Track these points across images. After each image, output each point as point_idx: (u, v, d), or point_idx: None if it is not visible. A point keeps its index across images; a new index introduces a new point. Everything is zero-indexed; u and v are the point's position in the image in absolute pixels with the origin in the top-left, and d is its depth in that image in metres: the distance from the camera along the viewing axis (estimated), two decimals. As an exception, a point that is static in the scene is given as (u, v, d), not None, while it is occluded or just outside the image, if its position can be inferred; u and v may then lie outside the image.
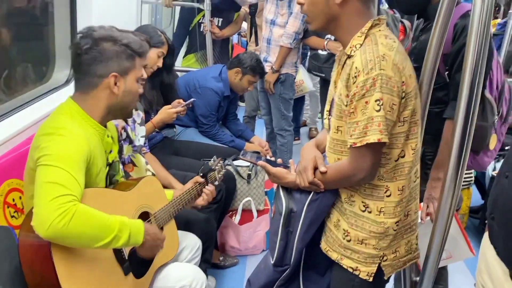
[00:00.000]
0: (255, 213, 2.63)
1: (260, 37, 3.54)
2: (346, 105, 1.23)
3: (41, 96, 2.14)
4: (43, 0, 2.46)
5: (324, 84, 3.57)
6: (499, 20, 3.71)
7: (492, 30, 3.58)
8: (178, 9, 3.85)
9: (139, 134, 2.06)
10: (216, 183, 1.99)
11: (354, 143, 1.21)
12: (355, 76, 1.18)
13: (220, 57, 3.65)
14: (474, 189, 3.07)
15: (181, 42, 3.63)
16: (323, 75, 3.27)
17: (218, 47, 3.61)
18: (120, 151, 1.79)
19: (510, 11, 3.09)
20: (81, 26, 2.36)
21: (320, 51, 3.36)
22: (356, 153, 1.23)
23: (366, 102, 1.17)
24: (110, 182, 1.54)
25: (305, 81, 3.88)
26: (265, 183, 2.72)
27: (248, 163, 2.59)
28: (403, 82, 1.19)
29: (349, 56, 1.26)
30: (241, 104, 5.42)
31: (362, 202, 1.30)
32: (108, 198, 1.42)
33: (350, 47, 1.25)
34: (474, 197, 3.08)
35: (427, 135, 1.64)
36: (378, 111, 1.16)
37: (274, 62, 3.15)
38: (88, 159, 1.32)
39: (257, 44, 3.66)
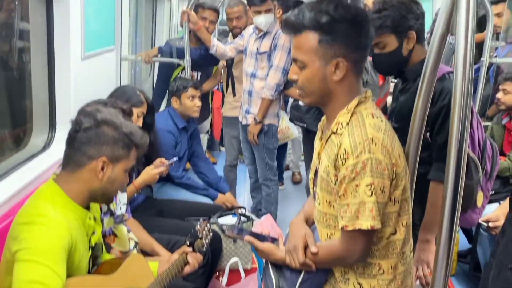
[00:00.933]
0: (242, 274, 2.55)
1: (238, 88, 3.58)
2: (335, 184, 1.22)
3: (17, 166, 2.06)
4: (20, 61, 2.43)
5: (307, 133, 3.59)
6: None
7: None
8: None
9: (121, 202, 1.99)
10: (204, 249, 1.94)
11: (345, 225, 1.19)
12: (344, 158, 1.18)
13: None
14: (460, 233, 3.07)
15: (161, 96, 3.64)
16: (305, 125, 3.29)
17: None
18: (101, 225, 1.73)
19: (482, 58, 3.19)
20: (60, 87, 2.36)
21: (301, 102, 3.39)
22: (347, 236, 1.21)
23: (357, 185, 1.16)
24: (93, 263, 1.46)
25: (291, 127, 3.91)
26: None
27: (233, 222, 2.55)
28: (393, 163, 1.18)
29: (334, 132, 1.25)
30: (221, 149, 5.45)
31: (357, 280, 1.26)
32: (92, 285, 1.35)
33: (336, 124, 1.25)
34: (461, 242, 3.07)
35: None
36: (370, 196, 1.15)
37: (256, 114, 3.16)
38: (69, 247, 1.26)
39: (234, 95, 3.68)
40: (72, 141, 1.37)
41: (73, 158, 1.37)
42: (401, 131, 1.44)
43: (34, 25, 2.30)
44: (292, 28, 1.26)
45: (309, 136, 3.23)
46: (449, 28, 1.18)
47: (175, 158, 2.49)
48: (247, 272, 2.59)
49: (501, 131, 3.03)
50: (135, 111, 2.24)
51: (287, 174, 4.80)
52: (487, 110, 3.39)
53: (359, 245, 1.20)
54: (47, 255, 1.18)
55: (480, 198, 1.74)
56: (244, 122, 3.30)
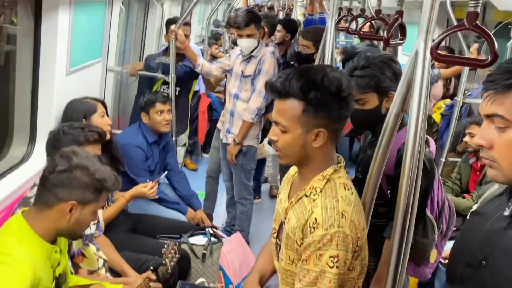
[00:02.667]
0: (208, 294, 2.63)
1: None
2: (300, 247, 1.29)
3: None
4: (5, 68, 2.46)
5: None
6: (448, 101, 3.97)
7: (442, 109, 3.83)
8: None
9: (91, 222, 2.06)
10: (168, 275, 2.01)
11: None
12: (314, 227, 1.24)
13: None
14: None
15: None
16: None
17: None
18: (69, 247, 1.79)
19: (456, 98, 3.31)
20: (42, 101, 2.40)
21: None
22: None
23: (321, 255, 1.22)
24: (57, 292, 1.53)
25: (266, 145, 3.98)
26: (220, 260, 2.73)
27: (204, 242, 2.62)
28: (358, 237, 1.26)
29: (307, 195, 1.32)
30: (204, 155, 5.52)
31: None
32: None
33: (311, 188, 1.31)
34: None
35: (368, 246, 1.73)
36: (332, 267, 1.22)
37: (236, 135, 3.23)
38: (32, 286, 1.31)
39: None
40: (45, 181, 1.42)
41: (44, 197, 1.42)
42: (364, 183, 1.53)
43: (21, 38, 2.35)
44: (278, 93, 1.28)
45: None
46: (404, 107, 1.27)
47: (163, 174, 2.56)
48: (213, 292, 2.66)
49: (468, 170, 3.17)
50: (95, 116, 2.35)
51: (265, 187, 4.90)
52: (458, 146, 3.51)
53: None
54: None
55: (433, 255, 1.83)
56: (224, 141, 3.37)
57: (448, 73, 4.17)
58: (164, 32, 3.76)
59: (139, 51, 4.48)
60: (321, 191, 1.29)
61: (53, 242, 1.47)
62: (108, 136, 2.35)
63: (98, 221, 2.15)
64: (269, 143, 3.70)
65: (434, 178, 1.75)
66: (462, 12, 3.72)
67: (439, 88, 4.37)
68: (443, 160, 3.39)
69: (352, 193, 1.32)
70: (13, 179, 2.18)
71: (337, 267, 1.22)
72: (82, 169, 1.41)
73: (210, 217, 3.85)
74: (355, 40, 6.71)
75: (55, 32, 2.30)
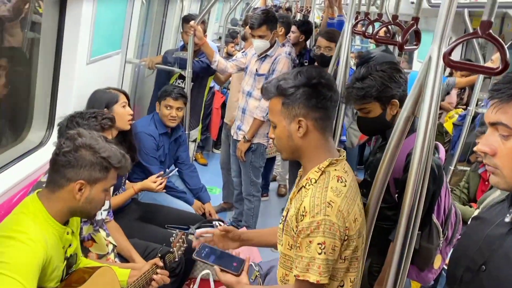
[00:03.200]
0: (212, 285, 2.66)
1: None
2: (295, 233, 1.35)
3: (13, 162, 2.18)
4: (28, 57, 2.53)
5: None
6: (460, 110, 3.96)
7: (454, 119, 3.83)
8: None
9: (102, 208, 2.10)
10: (176, 259, 2.07)
11: (297, 275, 1.33)
12: (303, 215, 1.32)
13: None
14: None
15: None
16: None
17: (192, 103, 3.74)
18: (80, 232, 1.85)
19: (468, 107, 3.32)
20: (62, 89, 2.46)
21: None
22: (299, 284, 1.35)
23: (310, 242, 1.30)
24: (67, 272, 1.59)
25: None
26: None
27: (210, 234, 2.66)
28: (346, 227, 1.31)
29: (304, 186, 1.39)
30: (215, 150, 5.59)
31: None
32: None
33: (307, 179, 1.39)
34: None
35: (373, 247, 1.76)
36: (320, 253, 1.28)
37: (247, 132, 3.27)
38: (43, 263, 1.37)
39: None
40: (53, 163, 1.47)
41: (53, 179, 1.47)
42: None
43: (45, 27, 2.41)
44: (265, 95, 1.48)
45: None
46: (414, 111, 1.31)
47: (175, 170, 2.62)
48: (217, 283, 2.71)
49: (477, 179, 3.17)
50: (117, 106, 2.40)
51: (273, 186, 4.94)
52: (470, 155, 3.51)
53: None
54: (23, 272, 1.29)
55: (438, 260, 1.86)
56: (235, 137, 3.42)
57: (463, 82, 4.16)
58: (181, 29, 3.80)
59: (157, 46, 4.54)
60: (315, 182, 1.37)
61: (66, 223, 1.53)
62: (128, 127, 2.44)
63: (110, 207, 2.20)
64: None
65: (442, 184, 1.77)
66: (479, 21, 3.70)
67: (453, 97, 4.37)
68: (452, 168, 3.39)
69: (345, 186, 1.38)
70: (29, 163, 2.25)
71: (324, 253, 1.29)
72: (87, 148, 1.45)
73: (230, 205, 3.92)
74: (371, 45, 6.71)
75: (78, 22, 2.36)
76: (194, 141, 4.09)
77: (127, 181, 2.65)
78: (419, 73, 1.28)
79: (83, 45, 2.44)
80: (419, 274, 1.87)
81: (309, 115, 1.39)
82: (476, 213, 2.08)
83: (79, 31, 2.38)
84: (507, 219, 1.03)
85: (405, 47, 1.51)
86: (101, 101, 2.40)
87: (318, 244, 1.29)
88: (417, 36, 1.58)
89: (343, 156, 1.46)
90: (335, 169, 1.40)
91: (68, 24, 2.37)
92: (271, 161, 4.48)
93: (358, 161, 4.88)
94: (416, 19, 1.53)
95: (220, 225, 2.79)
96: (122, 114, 2.40)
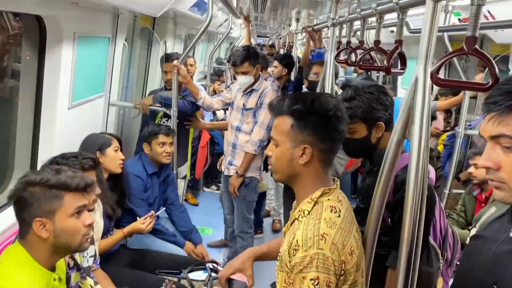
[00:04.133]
0: (208, 333, 2.54)
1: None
2: (288, 269, 1.28)
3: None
4: (8, 103, 2.49)
5: (287, 188, 3.65)
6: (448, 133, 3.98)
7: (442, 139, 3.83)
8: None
9: (88, 254, 2.02)
10: None
11: None
12: (295, 249, 1.24)
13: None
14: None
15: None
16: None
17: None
18: (68, 281, 1.75)
19: (457, 128, 3.32)
20: (44, 135, 2.41)
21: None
22: None
23: (303, 278, 1.22)
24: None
25: (264, 178, 3.97)
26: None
27: (204, 278, 2.56)
28: (342, 260, 1.24)
29: (297, 218, 1.32)
30: (205, 189, 5.51)
31: None
32: None
33: (299, 211, 1.33)
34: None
35: (372, 276, 1.68)
36: None
37: (239, 167, 3.22)
38: None
39: None
40: (15, 212, 1.42)
41: (20, 227, 1.41)
42: (366, 212, 1.50)
43: (24, 74, 2.38)
44: (274, 110, 1.41)
45: (288, 191, 3.29)
46: (405, 134, 1.27)
47: (162, 210, 2.55)
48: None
49: (472, 201, 3.13)
50: (109, 150, 2.43)
51: (267, 221, 4.83)
52: (460, 174, 3.48)
53: None
54: None
55: (439, 284, 1.79)
56: (226, 173, 3.37)
57: (444, 104, 4.20)
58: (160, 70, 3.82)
59: (142, 87, 4.54)
60: (309, 213, 1.31)
61: (53, 269, 1.45)
62: (119, 170, 2.47)
63: (96, 255, 2.11)
64: (271, 174, 3.71)
65: (435, 205, 1.73)
66: (459, 45, 3.79)
67: (440, 122, 4.39)
68: (447, 192, 3.35)
69: (339, 216, 1.31)
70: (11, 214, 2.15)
71: None
72: (33, 185, 1.38)
73: None
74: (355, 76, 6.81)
75: (58, 67, 2.33)
76: (184, 177, 4.02)
77: (114, 228, 2.56)
78: (406, 95, 1.25)
79: (64, 90, 2.41)
80: None
81: (316, 145, 1.34)
82: (473, 232, 2.03)
83: (60, 75, 2.35)
84: (511, 234, 0.99)
85: (392, 71, 1.49)
86: (95, 144, 2.40)
87: (311, 280, 1.21)
88: (402, 59, 1.57)
89: (337, 185, 1.40)
90: (328, 199, 1.34)
91: (48, 69, 2.34)
92: (261, 196, 4.41)
93: (352, 190, 4.83)
94: (399, 42, 1.52)
95: (214, 267, 2.68)
96: (114, 157, 2.44)
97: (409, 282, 1.40)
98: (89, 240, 1.50)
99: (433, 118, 4.42)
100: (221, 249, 3.99)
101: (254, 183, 3.31)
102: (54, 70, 2.34)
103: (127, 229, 2.49)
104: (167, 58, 3.50)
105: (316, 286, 1.20)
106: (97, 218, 2.18)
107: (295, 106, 1.35)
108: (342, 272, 1.24)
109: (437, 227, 1.77)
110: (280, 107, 1.38)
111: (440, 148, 3.97)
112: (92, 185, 1.50)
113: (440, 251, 1.76)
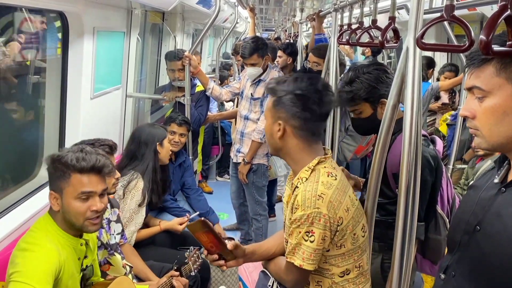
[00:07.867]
0: (228, 301, 2.71)
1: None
2: (289, 224, 1.45)
3: (27, 197, 2.26)
4: (35, 95, 2.66)
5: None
6: (452, 112, 4.09)
7: (448, 121, 3.94)
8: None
9: (115, 232, 2.19)
10: (192, 273, 2.12)
11: (286, 256, 1.44)
12: (296, 208, 1.41)
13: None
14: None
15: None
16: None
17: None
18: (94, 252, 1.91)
19: (458, 106, 3.43)
20: (70, 123, 2.58)
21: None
22: (287, 265, 1.47)
23: (299, 231, 1.40)
24: (85, 284, 1.66)
25: (273, 166, 4.11)
26: (239, 271, 2.82)
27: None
28: (339, 217, 1.40)
29: (297, 186, 1.47)
30: (218, 178, 5.68)
31: None
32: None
33: (298, 179, 1.47)
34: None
35: (383, 243, 1.81)
36: (306, 241, 1.38)
37: (246, 154, 3.37)
38: (57, 271, 1.46)
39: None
40: None
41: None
42: None
43: (50, 70, 2.56)
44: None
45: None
46: (400, 98, 1.41)
47: (196, 213, 2.85)
48: (233, 300, 2.75)
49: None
50: (165, 141, 2.68)
51: (279, 206, 4.97)
52: (464, 155, 3.60)
53: (291, 276, 1.47)
54: (35, 278, 1.38)
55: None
56: (234, 160, 3.53)
57: (447, 84, 4.30)
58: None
59: (154, 80, 4.72)
60: (306, 180, 1.45)
61: (80, 236, 1.62)
62: (167, 161, 2.73)
63: (123, 229, 2.28)
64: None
65: (442, 175, 1.82)
66: (460, 29, 3.87)
67: (445, 101, 4.51)
68: (450, 167, 3.47)
69: (335, 179, 1.45)
70: (42, 197, 2.33)
71: (311, 241, 1.37)
72: (54, 162, 1.55)
73: None
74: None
75: (81, 60, 2.51)
76: (195, 172, 4.20)
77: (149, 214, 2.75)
78: (399, 63, 1.39)
79: (87, 81, 2.58)
80: (433, 267, 1.90)
81: (288, 122, 1.48)
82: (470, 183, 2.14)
83: (82, 68, 2.53)
84: (496, 180, 1.10)
85: (386, 45, 1.63)
86: (154, 137, 2.62)
87: (306, 232, 1.38)
88: (395, 34, 1.71)
89: (330, 154, 1.54)
90: (324, 166, 1.48)
91: (71, 62, 2.51)
92: (272, 183, 4.55)
93: (362, 175, 4.95)
94: (393, 18, 1.66)
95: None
96: (168, 148, 2.70)
97: (406, 246, 1.38)
98: (96, 224, 1.57)
99: (437, 98, 4.54)
100: (236, 232, 4.17)
101: (262, 169, 3.45)
102: (76, 63, 2.51)
103: (164, 225, 2.70)
104: (175, 56, 3.56)
105: (310, 237, 1.37)
106: (132, 206, 2.40)
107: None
108: (337, 227, 1.40)
109: (445, 196, 1.87)
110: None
111: (442, 128, 4.08)
112: (103, 167, 1.55)
113: (448, 220, 1.85)
